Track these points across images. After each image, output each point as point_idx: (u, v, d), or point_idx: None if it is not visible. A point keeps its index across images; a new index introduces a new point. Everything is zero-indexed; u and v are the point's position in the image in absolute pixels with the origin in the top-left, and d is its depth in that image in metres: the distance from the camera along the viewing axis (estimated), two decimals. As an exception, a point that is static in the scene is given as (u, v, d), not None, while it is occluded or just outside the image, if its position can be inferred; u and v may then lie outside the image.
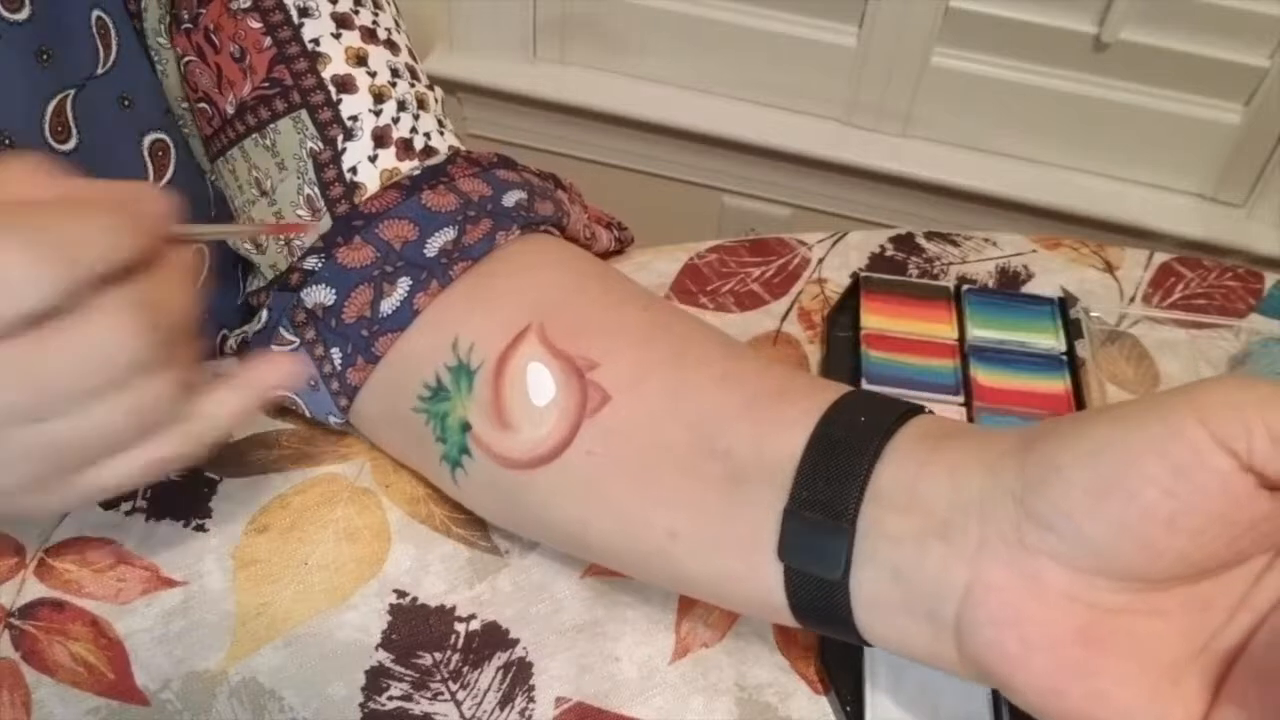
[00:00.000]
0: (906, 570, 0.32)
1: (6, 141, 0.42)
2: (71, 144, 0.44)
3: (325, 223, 0.43)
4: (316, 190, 0.43)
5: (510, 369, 0.39)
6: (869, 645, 0.35)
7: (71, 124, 0.44)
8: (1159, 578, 0.29)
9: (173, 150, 0.49)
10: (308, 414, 0.46)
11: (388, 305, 0.42)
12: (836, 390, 0.36)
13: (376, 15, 0.46)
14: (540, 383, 0.39)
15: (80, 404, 0.31)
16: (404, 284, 0.42)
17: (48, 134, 0.43)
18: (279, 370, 0.37)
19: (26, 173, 0.32)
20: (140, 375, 0.32)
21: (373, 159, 0.43)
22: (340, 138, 0.43)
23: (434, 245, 0.42)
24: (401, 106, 0.45)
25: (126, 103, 0.46)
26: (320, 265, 0.42)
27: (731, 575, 0.36)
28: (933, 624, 0.32)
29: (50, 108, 0.44)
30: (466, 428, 0.40)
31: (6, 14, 0.41)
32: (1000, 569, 0.30)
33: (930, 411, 0.36)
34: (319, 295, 0.42)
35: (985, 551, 0.30)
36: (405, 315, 0.42)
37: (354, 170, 0.43)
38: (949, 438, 0.33)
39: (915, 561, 0.32)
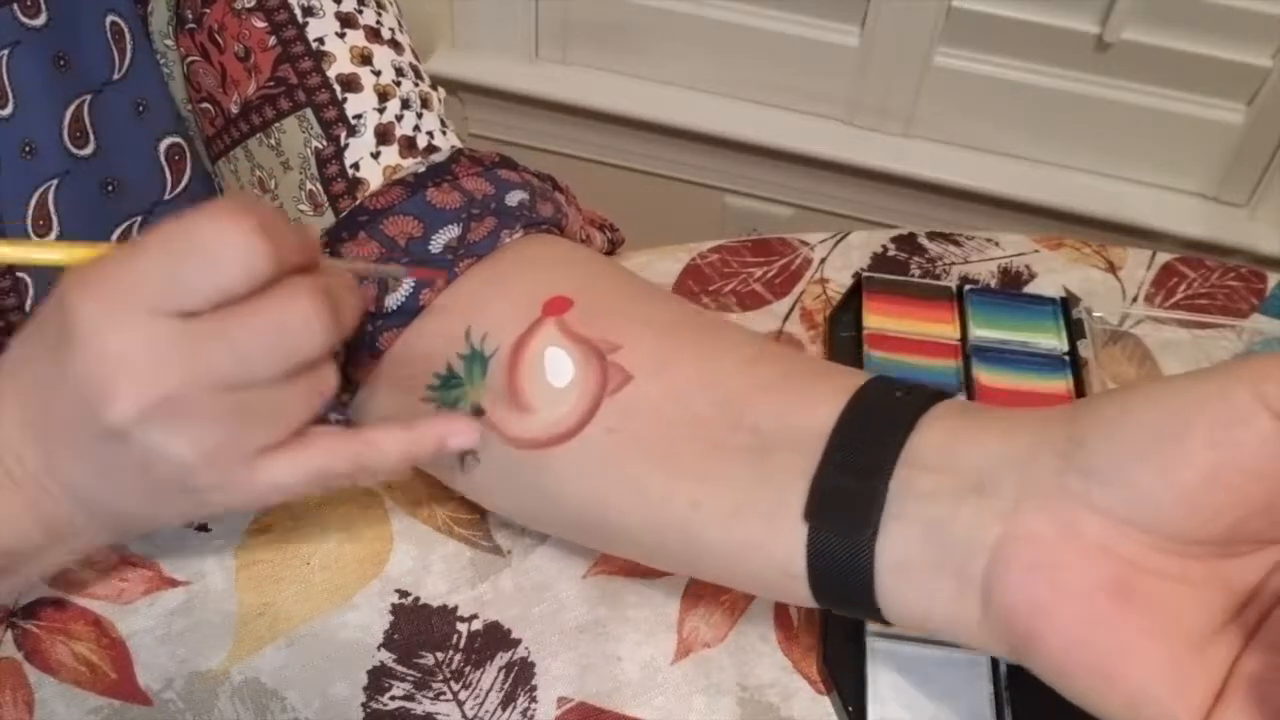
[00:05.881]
0: (937, 526, 0.33)
1: (27, 149, 0.42)
2: (89, 149, 0.44)
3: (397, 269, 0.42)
4: (319, 185, 0.43)
5: (528, 353, 0.39)
6: (880, 620, 0.35)
7: (89, 129, 0.44)
8: (1192, 537, 0.30)
9: (188, 154, 0.49)
10: None
11: (393, 301, 0.42)
12: (870, 374, 0.37)
13: (380, 15, 0.46)
14: (559, 366, 0.39)
15: (273, 375, 0.33)
16: (409, 280, 0.42)
17: (67, 140, 0.43)
18: (456, 431, 0.38)
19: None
20: (324, 359, 0.34)
21: (375, 155, 0.43)
22: (344, 135, 0.43)
23: (439, 242, 0.42)
24: (405, 105, 0.45)
25: (141, 107, 0.46)
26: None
27: (751, 543, 0.36)
28: (959, 580, 0.32)
29: (69, 113, 0.44)
30: (479, 413, 0.40)
31: (25, 20, 0.41)
32: (1037, 518, 0.31)
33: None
34: None
35: (1022, 504, 0.31)
36: (411, 310, 0.42)
37: (356, 166, 0.43)
38: (989, 411, 0.35)
39: (948, 516, 0.32)
